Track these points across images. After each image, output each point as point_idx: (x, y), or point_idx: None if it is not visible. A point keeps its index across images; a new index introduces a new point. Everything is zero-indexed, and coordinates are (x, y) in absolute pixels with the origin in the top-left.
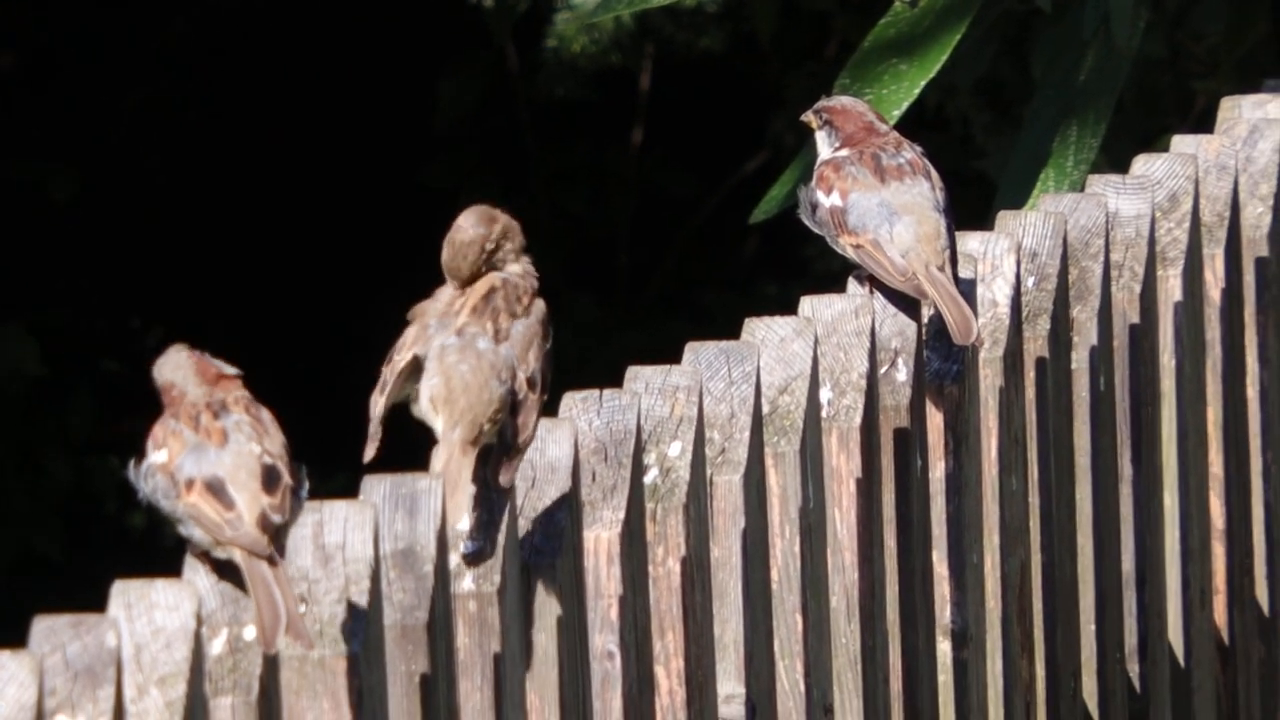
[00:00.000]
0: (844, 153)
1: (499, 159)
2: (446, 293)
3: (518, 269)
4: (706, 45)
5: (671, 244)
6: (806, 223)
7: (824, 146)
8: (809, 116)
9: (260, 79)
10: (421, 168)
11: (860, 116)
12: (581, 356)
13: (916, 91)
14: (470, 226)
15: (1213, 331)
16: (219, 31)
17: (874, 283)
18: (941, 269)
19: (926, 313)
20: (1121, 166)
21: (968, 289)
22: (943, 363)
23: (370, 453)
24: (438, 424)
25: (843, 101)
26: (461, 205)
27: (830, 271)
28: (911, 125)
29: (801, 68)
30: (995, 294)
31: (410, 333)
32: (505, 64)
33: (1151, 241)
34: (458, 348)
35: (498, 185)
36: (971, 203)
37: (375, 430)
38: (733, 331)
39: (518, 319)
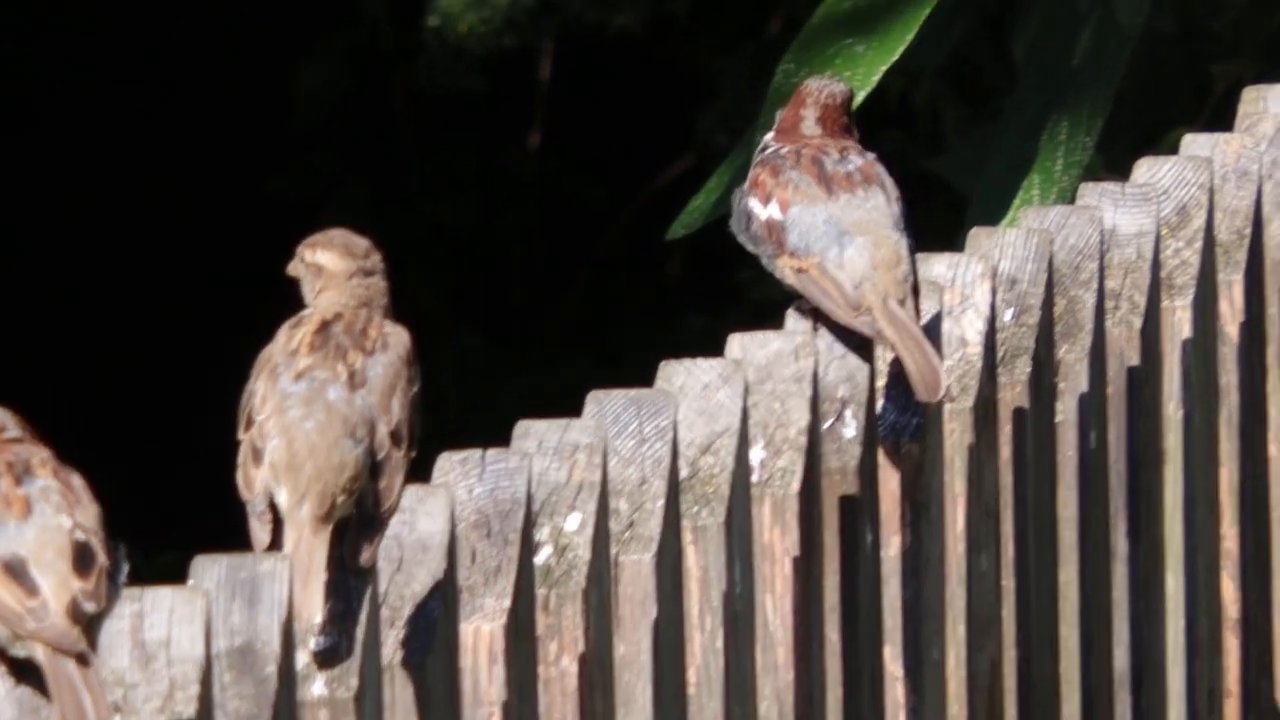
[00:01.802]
0: (780, 149)
1: (369, 163)
2: (286, 330)
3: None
4: (622, 25)
5: (577, 266)
6: (739, 238)
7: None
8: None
9: (74, 65)
10: (273, 175)
11: (796, 109)
12: (463, 405)
13: (875, 78)
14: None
15: (1228, 376)
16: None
17: (819, 317)
18: (902, 302)
19: (883, 355)
20: (1121, 172)
21: (932, 325)
22: (900, 415)
23: (263, 535)
24: (280, 496)
25: (809, 84)
26: (321, 222)
27: (769, 300)
28: (870, 120)
29: (736, 51)
30: (965, 330)
31: (260, 387)
32: (378, 46)
33: (1156, 265)
34: (301, 398)
35: (367, 196)
36: (939, 217)
37: (261, 508)
38: (647, 376)
39: (372, 355)
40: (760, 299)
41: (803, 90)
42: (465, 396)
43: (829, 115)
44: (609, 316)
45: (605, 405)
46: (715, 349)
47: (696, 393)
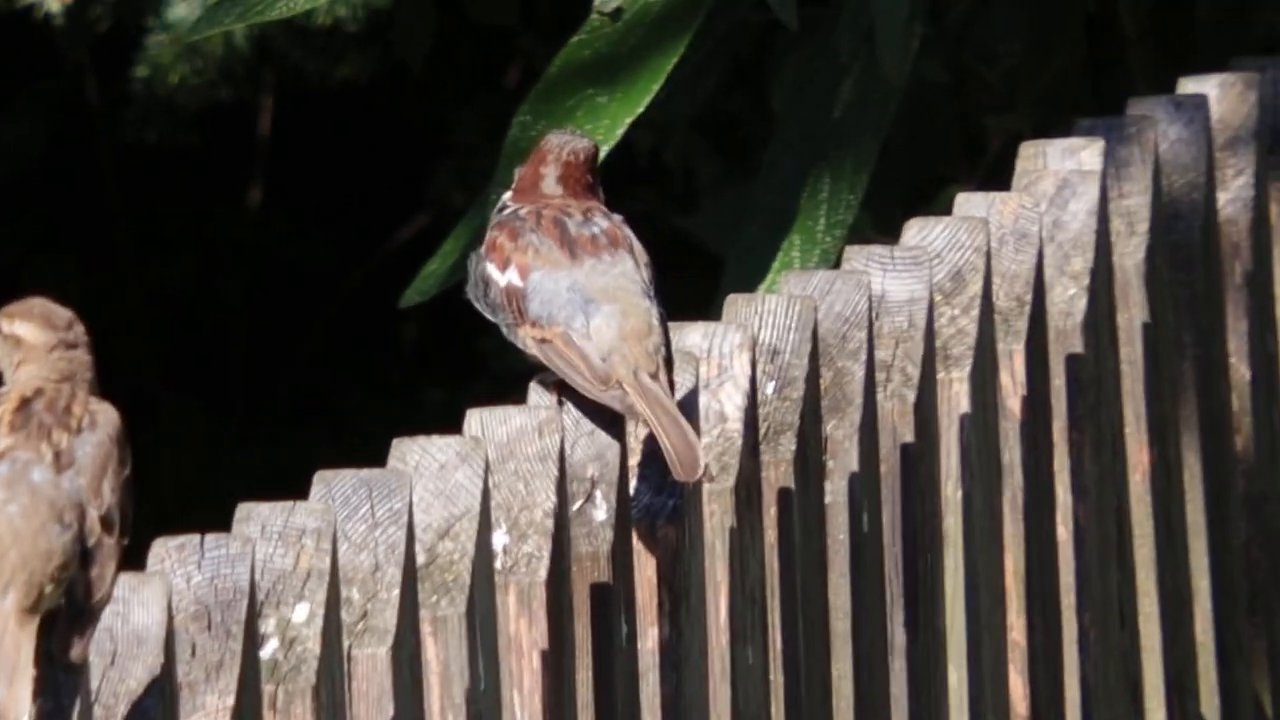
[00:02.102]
0: (520, 209)
1: (73, 225)
2: None
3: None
4: (346, 75)
5: (303, 333)
6: (477, 305)
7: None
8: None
9: None
10: None
11: (536, 166)
12: (181, 486)
13: (620, 131)
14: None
15: (1011, 453)
16: None
17: (565, 390)
18: (654, 375)
19: (635, 432)
20: (890, 233)
21: (688, 400)
22: (655, 496)
23: None
24: None
25: (549, 140)
26: (20, 290)
27: (513, 372)
28: (617, 177)
29: (472, 103)
30: (724, 405)
31: None
32: (83, 98)
33: (930, 334)
34: (3, 481)
35: (72, 260)
36: (693, 282)
37: None
38: (380, 454)
39: (79, 434)
40: (503, 371)
41: (543, 146)
42: (182, 477)
43: (571, 173)
44: (339, 388)
45: (334, 486)
46: (455, 424)
47: (433, 472)
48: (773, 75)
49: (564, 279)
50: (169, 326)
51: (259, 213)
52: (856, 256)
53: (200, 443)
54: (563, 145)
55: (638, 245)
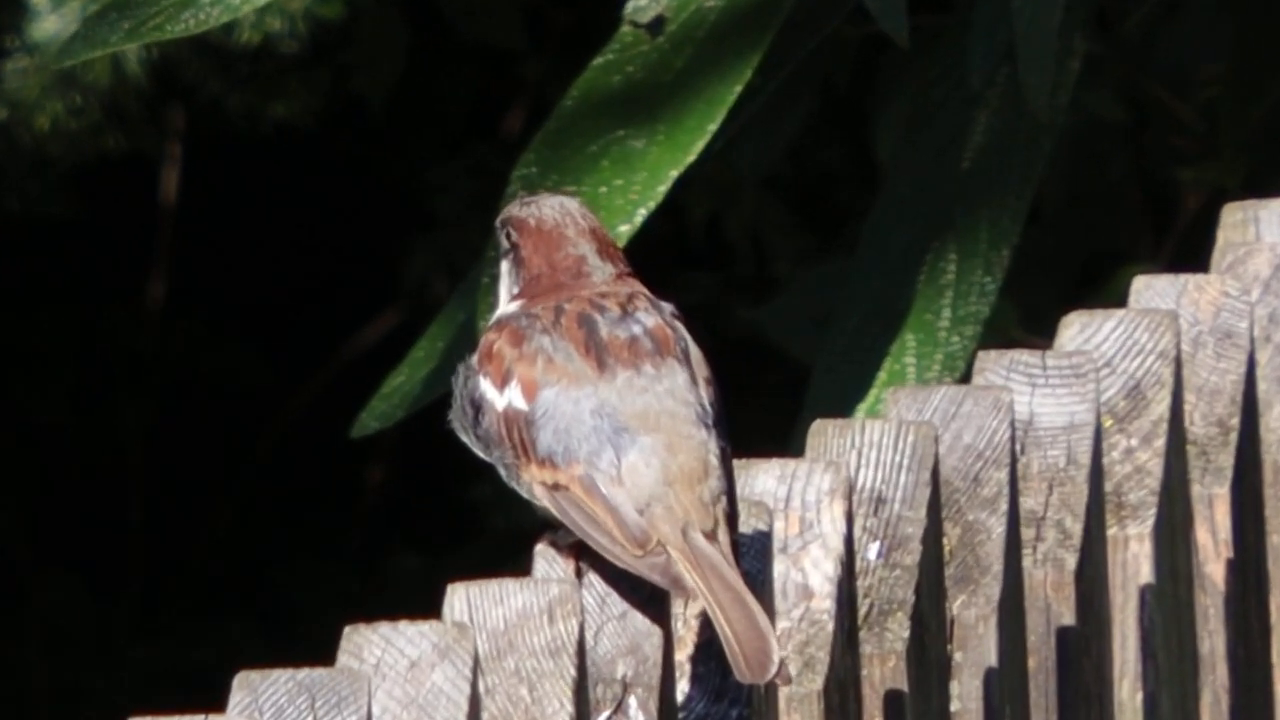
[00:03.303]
0: (523, 308)
1: None
2: None
3: None
4: (283, 115)
5: (227, 481)
6: (462, 436)
7: (503, 290)
8: (498, 229)
9: None
10: None
11: (562, 244)
12: (58, 694)
13: (662, 189)
14: None
15: (1213, 640)
16: None
17: (587, 556)
18: (712, 535)
19: (684, 614)
20: (1041, 331)
21: (759, 570)
22: (713, 704)
23: None
24: None
25: (542, 211)
26: None
27: (517, 531)
28: (660, 254)
29: (459, 154)
30: (809, 575)
31: None
32: None
33: (1097, 475)
34: None
35: None
36: (767, 401)
37: None
38: (327, 647)
39: None
40: (505, 529)
41: (537, 219)
42: (60, 681)
43: (607, 245)
44: (274, 555)
45: (263, 692)
46: (433, 605)
47: (401, 673)
48: (877, 112)
49: (587, 400)
50: (40, 475)
51: (163, 312)
52: (994, 365)
53: (84, 634)
54: (568, 209)
55: (695, 350)
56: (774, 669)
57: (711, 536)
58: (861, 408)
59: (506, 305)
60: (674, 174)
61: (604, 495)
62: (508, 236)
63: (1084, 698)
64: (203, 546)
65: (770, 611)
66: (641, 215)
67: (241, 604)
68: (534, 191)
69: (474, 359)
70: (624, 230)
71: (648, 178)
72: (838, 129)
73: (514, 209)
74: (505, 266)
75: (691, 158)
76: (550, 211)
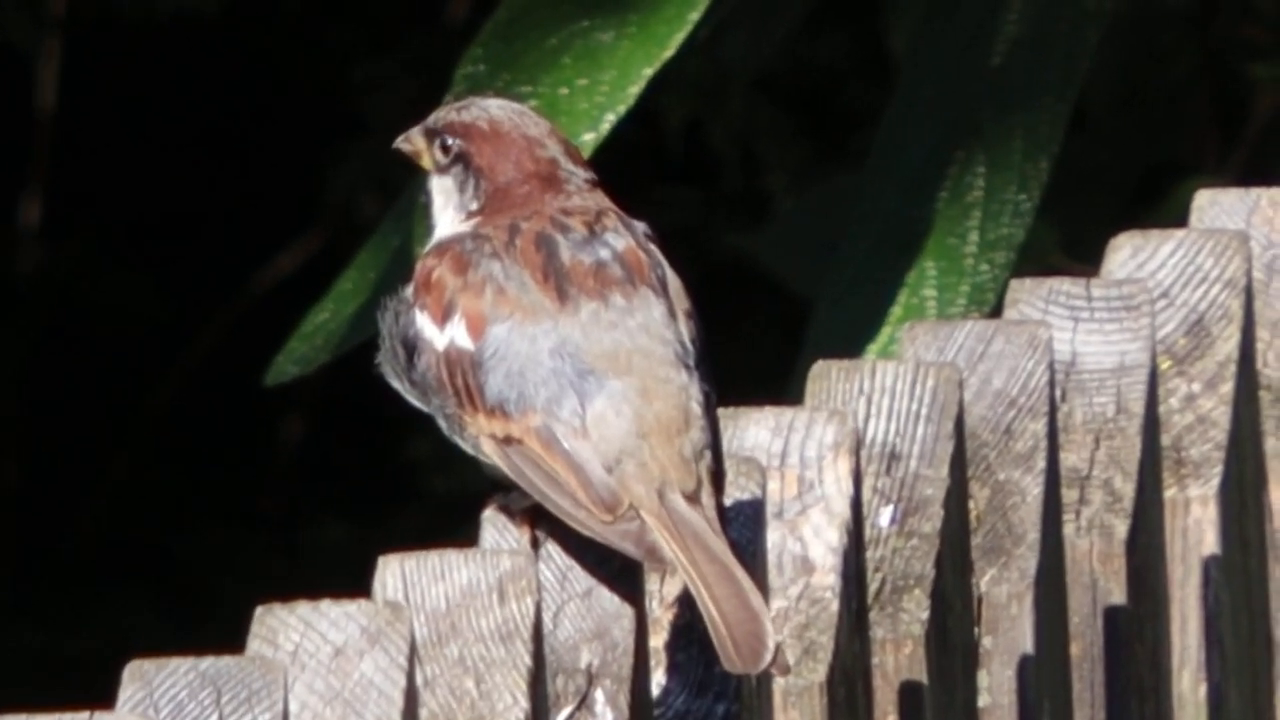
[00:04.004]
0: (475, 227)
1: None
2: None
3: None
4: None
5: (117, 435)
6: (395, 383)
7: (447, 210)
8: (415, 141)
9: None
10: None
11: (529, 147)
12: None
13: (634, 89)
14: None
15: None
16: None
17: (543, 523)
18: (694, 497)
19: (660, 591)
20: (1086, 257)
21: (751, 539)
22: (695, 699)
23: None
24: None
25: (491, 113)
26: None
27: (461, 494)
28: (626, 165)
29: (393, 50)
30: (809, 546)
31: None
32: None
33: (1152, 426)
34: None
35: None
36: (761, 339)
37: None
38: (237, 630)
39: None
40: (447, 491)
41: (507, 124)
42: None
43: (569, 146)
44: (173, 524)
45: (158, 685)
46: (362, 581)
47: (323, 662)
48: (891, 2)
49: (545, 337)
50: None
51: (40, 234)
52: (1030, 296)
53: None
54: (517, 108)
55: (673, 279)
56: (768, 656)
57: (693, 499)
58: (873, 348)
59: (458, 225)
60: (648, 72)
61: (565, 450)
62: (445, 147)
63: (1136, 690)
64: (88, 513)
65: (764, 588)
66: (610, 121)
67: (135, 581)
68: (477, 94)
69: (408, 290)
70: (589, 139)
71: (617, 76)
72: (843, 17)
73: (449, 114)
74: (447, 183)
75: (669, 53)
76: (501, 112)
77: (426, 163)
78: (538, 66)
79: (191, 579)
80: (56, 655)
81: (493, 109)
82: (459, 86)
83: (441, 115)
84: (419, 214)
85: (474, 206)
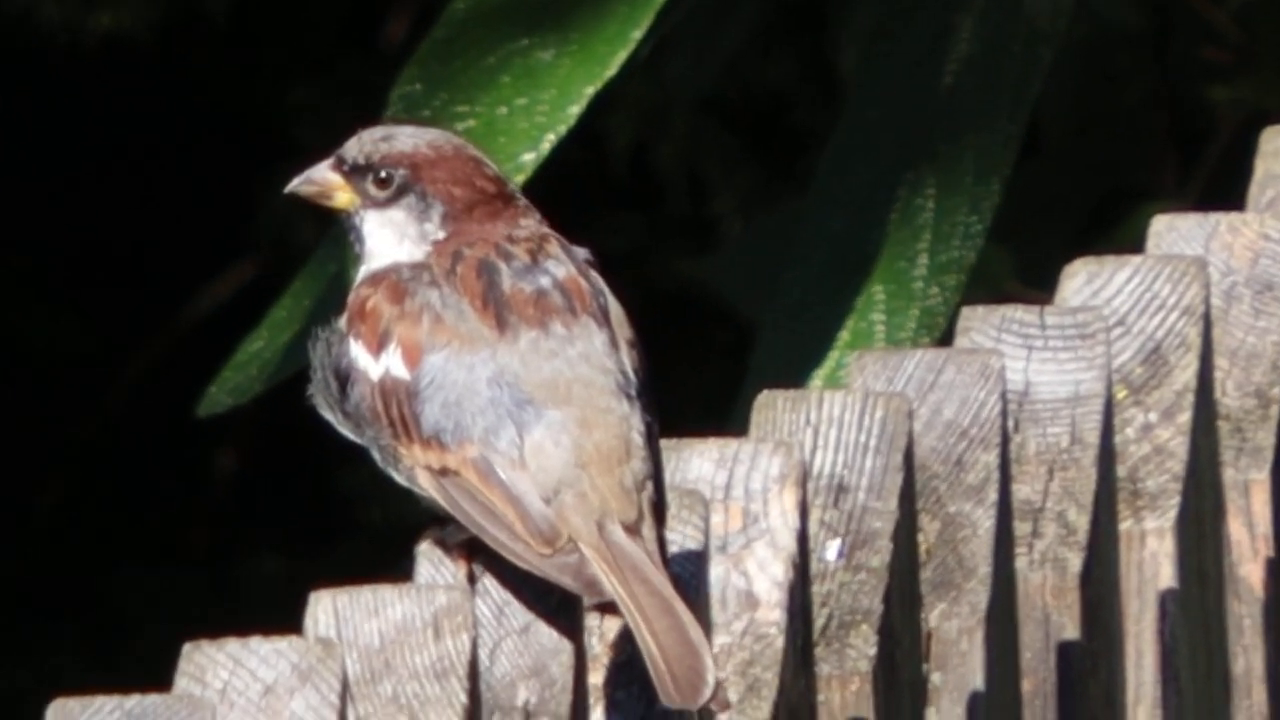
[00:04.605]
0: (427, 256)
1: None
2: None
3: None
4: (110, 28)
5: (42, 470)
6: (327, 415)
7: (402, 244)
8: (324, 180)
9: None
10: None
11: (477, 167)
12: None
13: (576, 109)
14: None
15: (1249, 658)
16: None
17: (480, 556)
18: (634, 529)
19: (600, 626)
20: (1040, 283)
21: (692, 574)
22: None
23: None
24: None
25: (426, 139)
26: None
27: (396, 527)
28: (568, 189)
29: (327, 73)
30: (754, 580)
31: None
32: None
33: (1107, 456)
34: None
35: None
36: (706, 367)
37: None
38: (161, 669)
39: None
40: (382, 524)
41: (446, 149)
42: None
43: (495, 186)
44: (99, 558)
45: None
46: (293, 617)
47: (253, 700)
48: (838, 15)
49: (483, 366)
50: None
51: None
52: (981, 324)
53: None
54: (441, 132)
55: (615, 307)
56: (708, 691)
57: (634, 531)
58: (819, 374)
59: (415, 257)
60: (589, 91)
61: (503, 481)
62: (382, 180)
63: None
64: (14, 549)
65: (705, 623)
66: (550, 141)
67: (61, 617)
68: (408, 117)
69: (341, 320)
70: (529, 159)
71: (557, 96)
72: (790, 36)
73: (376, 146)
74: (396, 216)
75: (611, 72)
76: (433, 136)
77: (342, 202)
78: (476, 86)
79: (120, 616)
80: None
81: (422, 135)
82: (395, 108)
83: (365, 148)
84: (349, 252)
85: (440, 235)
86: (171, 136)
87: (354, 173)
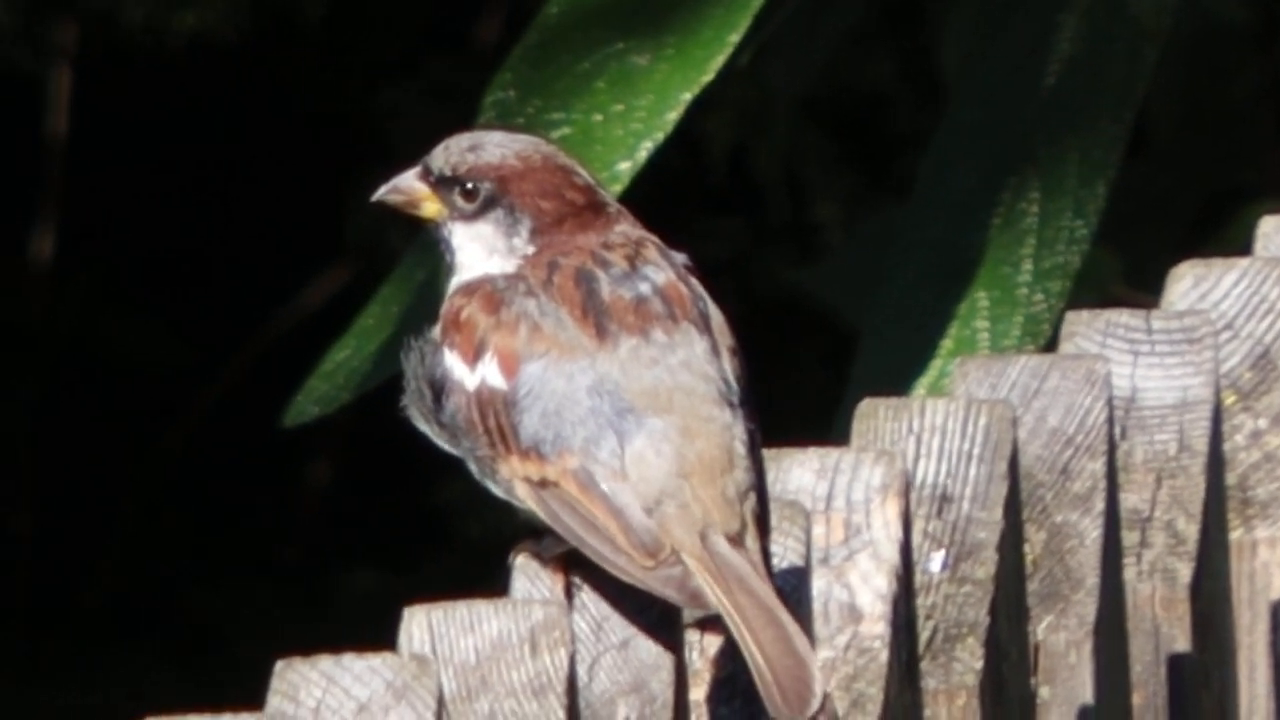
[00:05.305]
0: (519, 269)
1: None
2: None
3: None
4: (197, 28)
5: (127, 483)
6: (421, 425)
7: (492, 258)
8: (411, 190)
9: None
10: None
11: (566, 177)
12: None
13: (674, 116)
14: None
15: None
16: None
17: (577, 569)
18: (737, 540)
19: (702, 640)
20: (1147, 286)
21: (795, 585)
22: None
23: None
24: None
25: (514, 148)
26: None
27: (493, 540)
28: (665, 194)
29: (416, 75)
30: (856, 593)
31: None
32: None
33: (1215, 463)
34: None
35: None
36: (806, 375)
37: None
38: (256, 686)
39: None
40: (479, 538)
41: (538, 157)
42: None
43: (596, 177)
44: (188, 574)
45: None
46: (387, 633)
47: (347, 719)
48: (939, 15)
49: (583, 375)
50: None
51: (52, 272)
52: (1087, 329)
53: None
54: (531, 139)
55: (715, 313)
56: (816, 703)
57: (737, 542)
58: (922, 383)
59: (504, 264)
60: (686, 97)
61: (604, 493)
62: (468, 192)
63: None
64: (103, 565)
65: (810, 636)
66: (647, 149)
67: (151, 635)
68: (500, 123)
69: (435, 330)
70: (625, 168)
71: (654, 102)
72: (890, 37)
73: (462, 157)
74: (483, 230)
75: (708, 77)
76: (521, 145)
77: (430, 212)
78: (570, 92)
79: (210, 632)
80: (70, 713)
81: (510, 144)
82: (487, 115)
83: (452, 159)
84: (439, 260)
85: (529, 250)
86: (259, 140)
87: (440, 183)
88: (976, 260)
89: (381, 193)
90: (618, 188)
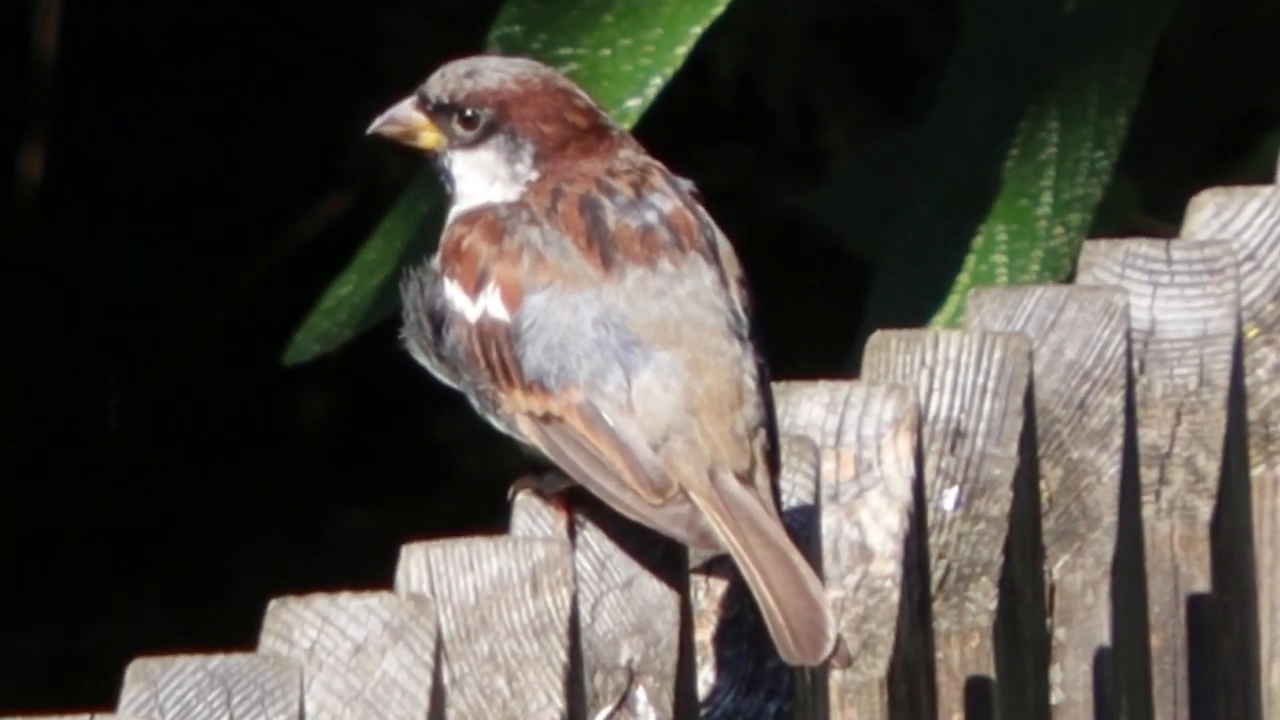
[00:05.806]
0: (522, 196)
1: None
2: None
3: None
4: None
5: (118, 418)
6: (421, 359)
7: (494, 185)
8: (408, 119)
9: None
10: None
11: (567, 100)
12: None
13: (684, 50)
14: None
15: None
16: None
17: (580, 506)
18: (747, 477)
19: (707, 582)
20: (1167, 216)
21: (806, 524)
22: (745, 697)
23: None
24: None
25: (513, 73)
26: None
27: (494, 477)
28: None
29: (402, 10)
30: (867, 532)
31: None
32: None
33: (1237, 398)
34: None
35: None
36: (817, 307)
37: None
38: (249, 624)
39: None
40: (479, 475)
41: (525, 68)
42: None
43: (588, 119)
44: (179, 514)
45: (163, 685)
46: (384, 572)
47: (342, 660)
48: None
49: (588, 306)
50: None
51: (39, 199)
52: (1105, 259)
53: None
54: (530, 64)
55: (724, 243)
56: (829, 647)
57: (746, 479)
58: (939, 319)
59: (508, 198)
60: (696, 30)
61: (610, 428)
62: (468, 120)
63: (1223, 685)
64: (91, 503)
65: (821, 575)
66: (656, 85)
67: (141, 575)
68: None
69: (435, 260)
70: (635, 104)
71: (663, 36)
72: None
73: (460, 84)
74: (485, 158)
75: (718, 9)
76: (520, 69)
77: (428, 141)
78: (578, 26)
79: (202, 572)
80: (58, 654)
81: (508, 68)
82: (493, 49)
83: (449, 86)
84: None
85: (533, 176)
86: (255, 66)
87: (438, 112)
88: (994, 192)
89: (377, 124)
90: (626, 125)
